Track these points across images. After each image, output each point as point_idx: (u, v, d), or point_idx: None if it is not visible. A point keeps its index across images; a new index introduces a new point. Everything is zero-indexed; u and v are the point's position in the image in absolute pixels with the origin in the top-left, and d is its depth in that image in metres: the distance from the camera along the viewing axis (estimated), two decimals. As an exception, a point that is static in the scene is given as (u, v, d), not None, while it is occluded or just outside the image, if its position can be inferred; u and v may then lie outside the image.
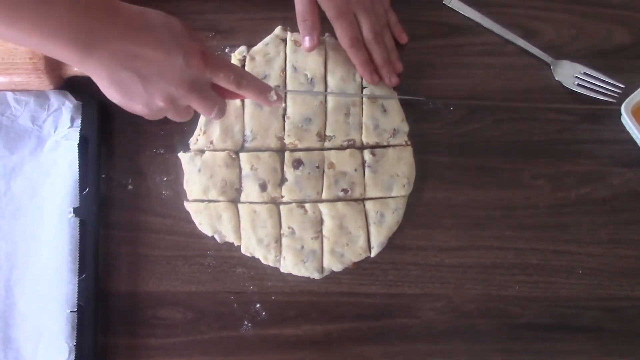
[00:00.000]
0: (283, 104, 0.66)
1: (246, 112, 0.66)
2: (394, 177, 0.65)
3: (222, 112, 0.57)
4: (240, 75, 0.56)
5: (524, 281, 0.65)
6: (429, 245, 0.66)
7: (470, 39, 0.70)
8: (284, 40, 0.68)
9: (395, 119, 0.66)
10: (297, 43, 0.67)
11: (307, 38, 0.64)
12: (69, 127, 0.64)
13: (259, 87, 0.57)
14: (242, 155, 0.65)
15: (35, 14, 0.46)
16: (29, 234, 0.64)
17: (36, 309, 0.62)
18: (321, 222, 0.65)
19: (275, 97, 0.58)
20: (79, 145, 0.63)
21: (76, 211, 0.63)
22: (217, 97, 0.56)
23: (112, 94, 0.52)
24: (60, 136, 0.65)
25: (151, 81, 0.51)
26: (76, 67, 0.55)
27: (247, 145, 0.66)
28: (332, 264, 0.64)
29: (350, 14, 0.64)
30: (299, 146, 0.66)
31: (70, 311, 0.61)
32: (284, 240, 0.64)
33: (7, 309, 0.62)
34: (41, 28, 0.47)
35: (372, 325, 0.64)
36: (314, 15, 0.64)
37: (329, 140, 0.66)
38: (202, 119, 0.65)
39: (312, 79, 0.66)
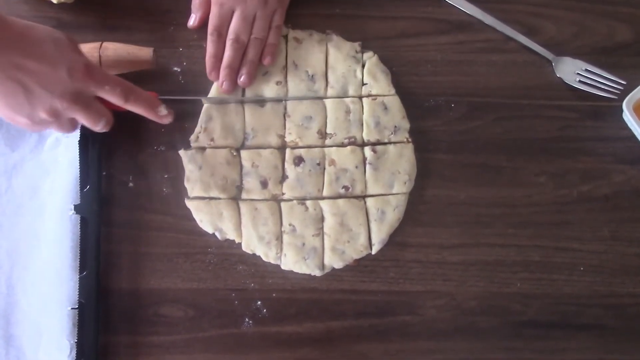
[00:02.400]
0: (283, 102, 0.66)
1: (246, 111, 0.66)
2: (395, 174, 0.65)
3: (108, 124, 0.59)
4: (128, 90, 0.57)
5: (526, 278, 0.65)
6: (431, 242, 0.66)
7: (471, 35, 0.70)
8: (285, 37, 0.68)
9: (396, 116, 0.66)
10: (297, 40, 0.67)
11: (192, 16, 0.67)
12: (70, 125, 0.64)
13: (148, 102, 0.59)
14: (243, 153, 0.65)
15: None
16: (30, 231, 0.64)
17: (37, 306, 0.62)
18: (322, 219, 0.65)
19: (165, 112, 0.60)
20: (80, 142, 0.63)
21: (77, 209, 0.62)
22: (103, 110, 0.58)
23: None
24: (61, 134, 0.65)
25: (34, 93, 0.52)
26: None
27: (247, 143, 0.66)
28: (333, 261, 0.64)
29: (226, 6, 0.64)
30: (300, 144, 0.65)
31: (71, 308, 0.61)
32: (285, 238, 0.64)
33: (8, 307, 0.62)
34: None
35: (373, 323, 0.64)
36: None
37: (330, 138, 0.66)
38: (202, 116, 0.65)
39: (313, 75, 0.66)
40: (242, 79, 0.65)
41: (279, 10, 0.66)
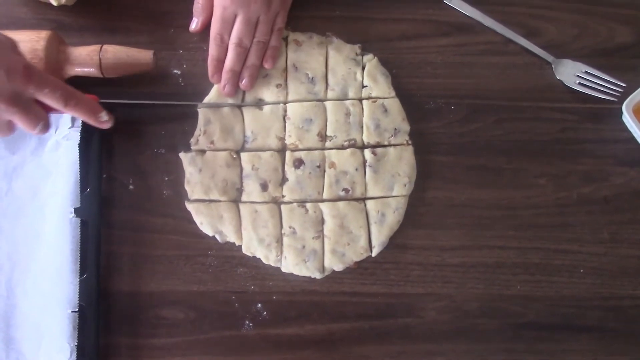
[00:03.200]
0: (283, 105, 0.66)
1: (246, 113, 0.66)
2: (395, 176, 0.65)
3: (46, 127, 0.56)
4: (68, 94, 0.56)
5: (526, 281, 0.65)
6: (431, 244, 0.66)
7: (471, 38, 0.70)
8: (285, 40, 0.68)
9: (396, 118, 0.66)
10: (298, 42, 0.67)
11: (194, 20, 0.67)
12: (70, 127, 0.64)
13: (89, 107, 0.58)
14: (244, 155, 0.65)
15: None
16: (30, 234, 0.64)
17: (38, 309, 0.62)
18: (322, 221, 0.65)
19: (106, 118, 0.59)
20: (80, 145, 0.63)
21: (77, 211, 0.62)
22: (42, 113, 0.56)
23: None
24: (61, 136, 0.65)
25: None
26: None
27: (247, 145, 0.66)
28: (333, 264, 0.64)
29: (229, 10, 0.64)
30: (300, 147, 0.65)
31: (72, 311, 0.61)
32: (285, 240, 0.64)
33: (9, 309, 0.62)
34: None
35: (374, 325, 0.64)
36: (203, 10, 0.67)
37: (330, 140, 0.66)
38: (201, 119, 0.65)
39: (313, 78, 0.66)
40: (244, 82, 0.65)
41: (281, 13, 0.66)
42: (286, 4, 0.67)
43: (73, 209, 0.62)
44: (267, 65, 0.66)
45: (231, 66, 0.64)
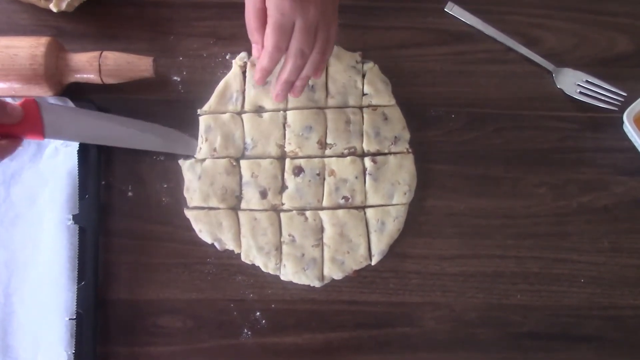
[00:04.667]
0: (283, 112, 0.66)
1: (246, 120, 0.66)
2: (395, 184, 0.65)
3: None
4: None
5: (525, 290, 0.65)
6: (430, 253, 0.65)
7: (471, 46, 0.70)
8: (285, 47, 0.68)
9: (396, 126, 0.66)
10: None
11: (254, 46, 0.60)
12: (69, 134, 0.64)
13: None
14: (243, 163, 0.65)
15: None
16: (28, 241, 0.63)
17: (35, 316, 0.62)
18: (322, 229, 0.64)
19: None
20: (79, 152, 0.63)
21: (75, 218, 0.62)
22: None
23: None
24: (60, 143, 0.64)
25: None
26: None
27: (247, 153, 0.65)
28: (332, 272, 0.64)
29: (287, 17, 0.55)
30: (300, 154, 0.65)
31: (69, 319, 0.61)
32: (285, 248, 0.64)
33: (6, 317, 0.62)
34: None
35: (372, 334, 0.64)
36: (259, 26, 0.58)
37: (330, 148, 0.66)
38: (201, 127, 0.65)
39: (313, 85, 0.66)
40: (296, 92, 0.62)
41: (334, 23, 0.59)
42: (336, 12, 0.60)
43: (71, 216, 0.62)
44: (317, 77, 0.63)
45: (289, 77, 0.59)
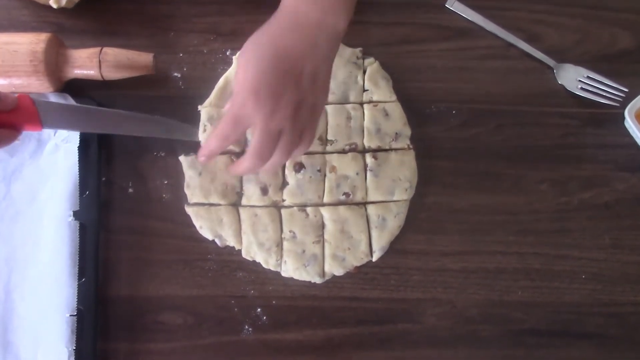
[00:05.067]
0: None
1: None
2: (396, 181, 0.65)
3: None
4: None
5: (527, 286, 0.65)
6: (431, 250, 0.65)
7: (472, 42, 0.70)
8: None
9: (397, 122, 0.66)
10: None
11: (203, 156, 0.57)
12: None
13: None
14: (243, 159, 0.65)
15: None
16: (28, 237, 0.63)
17: (35, 313, 0.62)
18: (322, 226, 0.64)
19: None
20: (79, 148, 0.63)
21: (76, 214, 0.62)
22: None
23: None
24: (60, 139, 0.64)
25: None
26: None
27: (248, 149, 0.65)
28: (333, 269, 0.64)
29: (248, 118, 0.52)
30: (301, 150, 0.65)
31: (70, 315, 0.61)
32: (285, 244, 0.64)
33: (6, 313, 0.62)
34: None
35: (373, 331, 0.64)
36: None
37: (331, 145, 0.65)
38: (203, 117, 0.65)
39: (314, 82, 0.66)
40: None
41: (310, 126, 0.54)
42: (316, 113, 0.54)
43: (72, 212, 0.62)
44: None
45: (245, 172, 0.57)
